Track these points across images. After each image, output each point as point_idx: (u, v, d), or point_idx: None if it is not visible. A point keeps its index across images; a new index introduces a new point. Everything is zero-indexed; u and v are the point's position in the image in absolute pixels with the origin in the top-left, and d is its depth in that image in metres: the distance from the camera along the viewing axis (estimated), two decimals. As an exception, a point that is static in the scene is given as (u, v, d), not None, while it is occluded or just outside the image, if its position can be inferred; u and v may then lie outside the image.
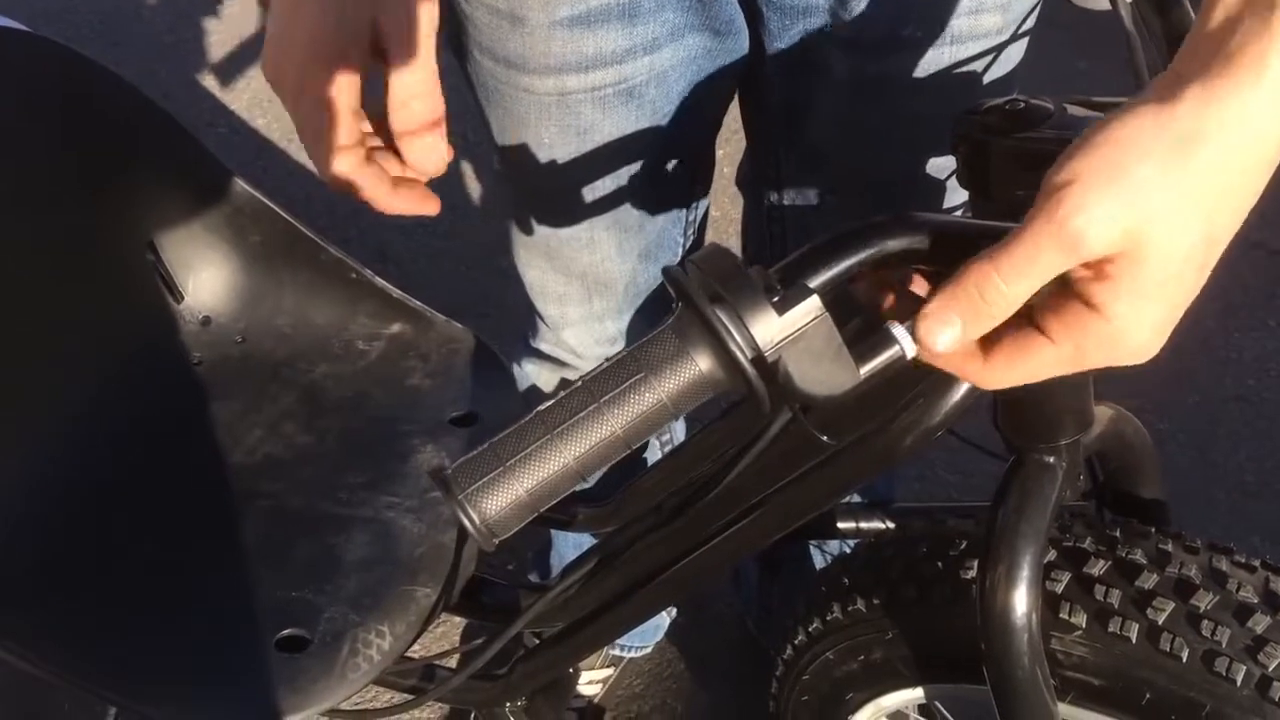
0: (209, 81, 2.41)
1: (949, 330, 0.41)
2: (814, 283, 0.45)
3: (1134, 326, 0.39)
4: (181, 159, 0.88)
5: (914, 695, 0.77)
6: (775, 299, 0.42)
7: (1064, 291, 0.40)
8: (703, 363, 0.42)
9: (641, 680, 1.38)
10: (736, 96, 0.88)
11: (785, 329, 0.41)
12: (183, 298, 0.89)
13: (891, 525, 0.87)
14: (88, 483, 0.80)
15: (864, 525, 0.87)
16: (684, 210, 0.92)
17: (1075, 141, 0.39)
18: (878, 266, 0.47)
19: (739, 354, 0.41)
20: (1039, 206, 0.38)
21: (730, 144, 0.92)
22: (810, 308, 0.42)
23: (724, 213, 1.90)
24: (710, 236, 0.90)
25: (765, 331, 0.41)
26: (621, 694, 1.36)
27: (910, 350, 0.44)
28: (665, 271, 0.44)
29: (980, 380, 0.44)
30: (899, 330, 0.44)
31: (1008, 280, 0.39)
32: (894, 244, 0.47)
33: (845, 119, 0.80)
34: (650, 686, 1.37)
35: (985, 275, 0.40)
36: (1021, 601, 0.59)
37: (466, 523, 0.43)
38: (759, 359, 0.41)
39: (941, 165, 0.82)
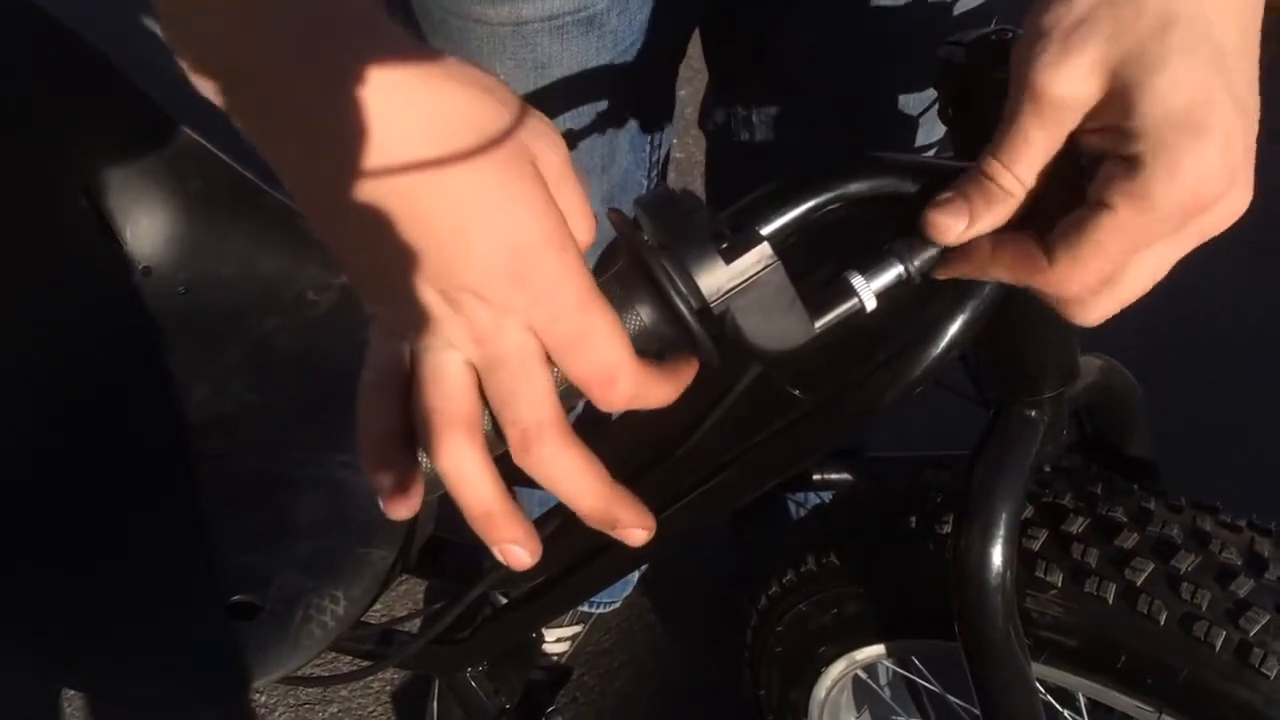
0: (145, 22, 2.32)
1: (959, 217, 0.39)
2: (767, 229, 0.42)
3: (1183, 157, 0.34)
4: (117, 100, 0.83)
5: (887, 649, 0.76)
6: (723, 246, 0.38)
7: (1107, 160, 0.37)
8: (645, 314, 0.39)
9: (610, 636, 1.36)
10: (699, 28, 0.84)
11: (733, 278, 0.38)
12: (122, 247, 0.85)
13: (867, 476, 0.85)
14: (21, 443, 0.76)
15: (839, 476, 0.85)
16: (647, 150, 0.88)
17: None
18: (839, 211, 0.44)
19: (681, 305, 0.38)
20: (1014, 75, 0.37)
21: (693, 84, 0.88)
22: (760, 255, 0.39)
23: (688, 154, 1.86)
24: (675, 180, 0.86)
25: (711, 281, 0.38)
26: (590, 650, 1.35)
27: (870, 303, 0.41)
28: (610, 215, 0.41)
29: (1051, 284, 0.39)
30: (858, 281, 0.41)
31: (1007, 161, 0.37)
32: (856, 187, 0.44)
33: (820, 41, 0.76)
34: (620, 642, 1.36)
35: (986, 158, 0.38)
36: (996, 560, 0.57)
37: None
38: (704, 310, 0.38)
39: (922, 97, 0.78)
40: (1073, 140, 0.37)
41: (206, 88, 0.33)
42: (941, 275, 0.42)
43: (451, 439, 0.36)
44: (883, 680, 0.91)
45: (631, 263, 0.39)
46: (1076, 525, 0.60)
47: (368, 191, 0.33)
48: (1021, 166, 0.38)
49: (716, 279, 0.38)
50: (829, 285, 0.41)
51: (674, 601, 1.39)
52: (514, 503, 0.38)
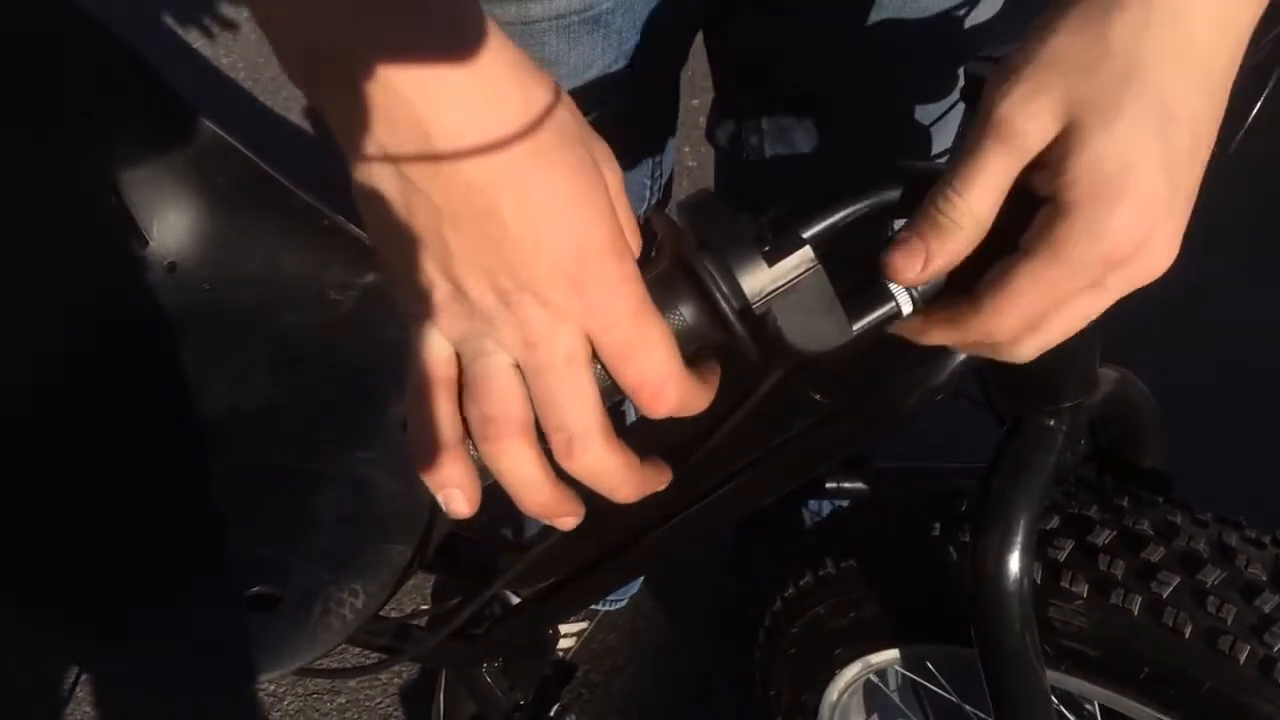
0: (170, 18, 2.32)
1: (916, 257, 0.39)
2: (808, 233, 0.43)
3: (1103, 216, 0.35)
4: (146, 96, 0.83)
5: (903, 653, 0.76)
6: (766, 249, 0.39)
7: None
8: (687, 313, 0.40)
9: (616, 634, 1.37)
10: (703, 37, 0.84)
11: (775, 280, 0.39)
12: (147, 243, 0.85)
13: (880, 485, 0.85)
14: (47, 434, 0.76)
15: (852, 484, 0.85)
16: (651, 154, 0.88)
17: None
18: (877, 217, 0.44)
19: (725, 305, 0.39)
20: (981, 109, 0.37)
21: (709, 94, 0.88)
22: (802, 259, 0.40)
23: (701, 163, 1.87)
24: (689, 188, 0.86)
25: (754, 282, 0.39)
26: (595, 648, 1.35)
27: (907, 307, 0.42)
28: (651, 217, 0.41)
29: (979, 333, 0.40)
30: (896, 285, 0.42)
31: (961, 190, 0.38)
32: (894, 193, 0.44)
33: (823, 54, 0.77)
34: (625, 641, 1.37)
35: (940, 190, 0.38)
36: (1014, 567, 0.58)
37: None
38: (746, 311, 0.39)
39: (928, 110, 0.79)
40: (1020, 190, 0.38)
41: (292, 70, 0.33)
42: (901, 333, 0.43)
43: (508, 444, 0.37)
44: (892, 684, 0.92)
45: (675, 263, 0.40)
46: (1103, 537, 0.60)
47: (444, 183, 0.33)
48: (974, 194, 0.38)
49: (759, 280, 0.39)
50: (866, 289, 0.42)
51: (679, 602, 1.40)
52: (563, 486, 0.39)
